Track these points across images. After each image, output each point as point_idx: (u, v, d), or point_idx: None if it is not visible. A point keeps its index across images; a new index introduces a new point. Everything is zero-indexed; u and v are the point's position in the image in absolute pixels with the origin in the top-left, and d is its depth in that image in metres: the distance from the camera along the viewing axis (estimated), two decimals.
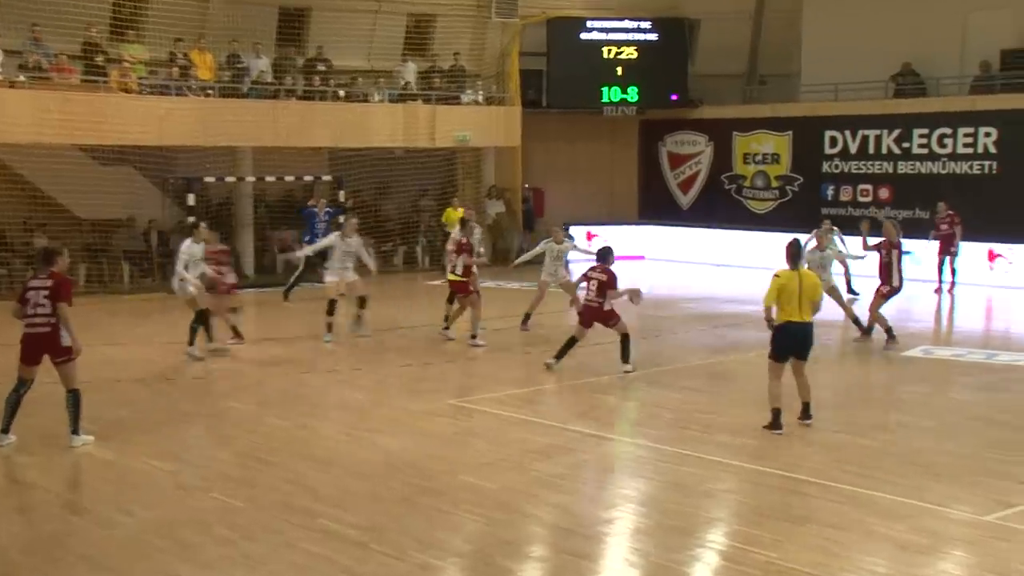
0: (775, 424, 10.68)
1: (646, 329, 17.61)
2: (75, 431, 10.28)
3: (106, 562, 7.38)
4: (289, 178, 24.11)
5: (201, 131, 21.91)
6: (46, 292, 10.09)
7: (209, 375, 13.85)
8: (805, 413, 10.97)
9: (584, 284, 13.98)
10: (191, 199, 21.74)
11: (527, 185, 28.04)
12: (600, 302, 13.64)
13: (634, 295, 14.09)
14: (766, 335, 16.11)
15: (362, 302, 16.33)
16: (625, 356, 13.72)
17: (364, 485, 9.09)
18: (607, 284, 13.58)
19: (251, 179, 23.72)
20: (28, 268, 21.11)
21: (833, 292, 16.31)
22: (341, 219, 19.39)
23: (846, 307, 16.70)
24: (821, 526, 8.00)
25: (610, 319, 13.77)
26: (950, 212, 22.02)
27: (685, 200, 29.68)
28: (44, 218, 21.68)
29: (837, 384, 13.55)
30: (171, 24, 22.63)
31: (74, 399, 10.27)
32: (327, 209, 21.12)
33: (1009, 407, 12.10)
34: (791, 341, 10.76)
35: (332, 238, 16.43)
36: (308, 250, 18.49)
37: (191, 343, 14.53)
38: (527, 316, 16.92)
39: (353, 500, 8.68)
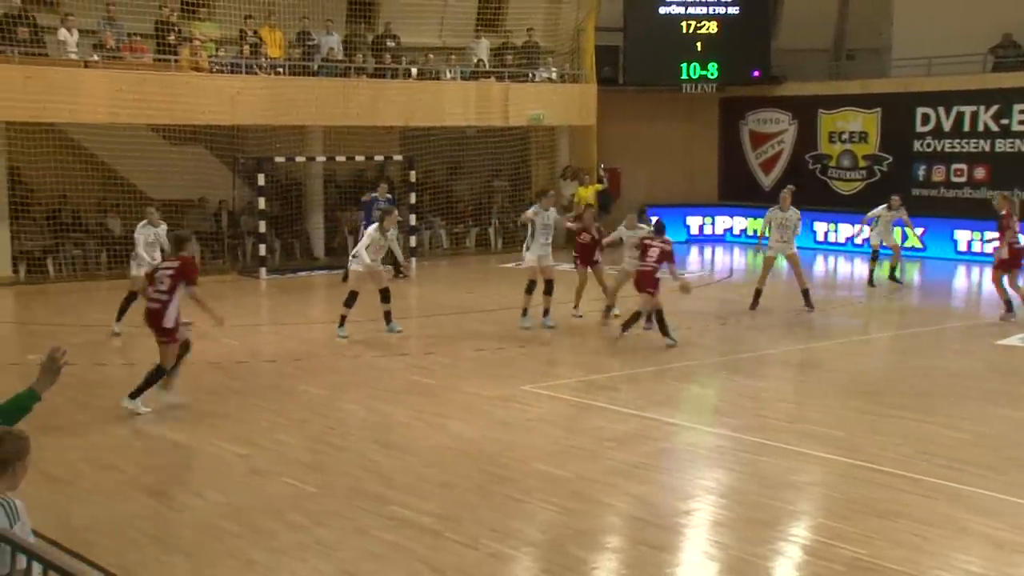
0: None
1: (727, 314, 17.49)
2: (133, 396, 10.97)
3: (179, 544, 7.56)
4: (359, 158, 24.32)
5: (272, 110, 22.21)
6: (171, 273, 11.10)
7: (281, 358, 14.06)
8: None
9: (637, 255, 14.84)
10: (261, 179, 22.06)
11: (603, 165, 27.94)
12: (655, 267, 14.44)
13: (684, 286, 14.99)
14: (852, 321, 15.95)
15: (385, 295, 15.55)
16: (664, 329, 14.38)
17: (437, 472, 9.18)
18: (666, 255, 14.40)
19: (321, 159, 23.97)
20: (102, 249, 21.72)
21: (792, 259, 17.50)
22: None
23: (800, 278, 17.43)
24: (911, 521, 7.89)
25: (653, 287, 14.49)
26: None
27: (767, 181, 29.26)
28: (117, 199, 22.20)
29: (929, 372, 13.33)
30: (241, 1, 22.95)
31: (155, 373, 11.05)
32: (388, 196, 21.10)
33: None
34: None
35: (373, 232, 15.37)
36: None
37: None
38: (607, 308, 16.37)
39: (426, 487, 8.77)
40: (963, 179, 25.10)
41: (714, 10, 27.95)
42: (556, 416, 11.19)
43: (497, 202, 27.41)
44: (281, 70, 23.01)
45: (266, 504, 8.37)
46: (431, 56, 25.46)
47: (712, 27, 27.92)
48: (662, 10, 27.86)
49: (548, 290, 15.97)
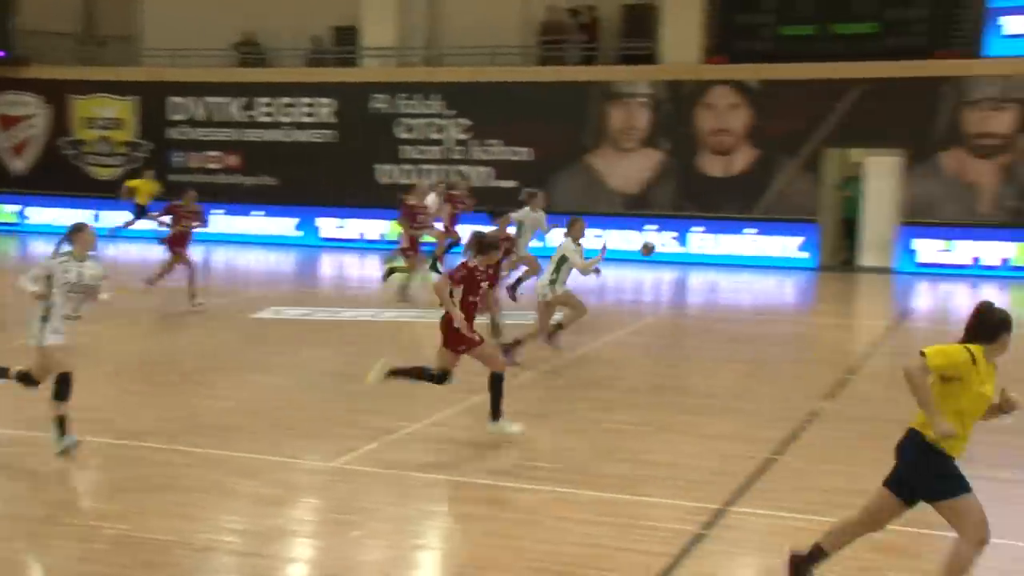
0: None
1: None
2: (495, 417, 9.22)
3: None
4: None
5: None
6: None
7: None
8: None
9: None
10: None
11: None
12: None
13: None
14: (120, 305, 15.12)
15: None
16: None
17: None
18: None
19: None
20: None
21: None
22: None
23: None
24: (180, 492, 7.74)
25: None
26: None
27: (20, 165, 27.48)
28: None
29: (193, 348, 13.38)
30: None
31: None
32: None
33: (355, 360, 12.75)
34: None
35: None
36: None
37: None
38: None
39: None
40: (219, 166, 25.82)
41: None
42: None
43: None
44: None
45: None
46: None
47: None
48: None
49: None
